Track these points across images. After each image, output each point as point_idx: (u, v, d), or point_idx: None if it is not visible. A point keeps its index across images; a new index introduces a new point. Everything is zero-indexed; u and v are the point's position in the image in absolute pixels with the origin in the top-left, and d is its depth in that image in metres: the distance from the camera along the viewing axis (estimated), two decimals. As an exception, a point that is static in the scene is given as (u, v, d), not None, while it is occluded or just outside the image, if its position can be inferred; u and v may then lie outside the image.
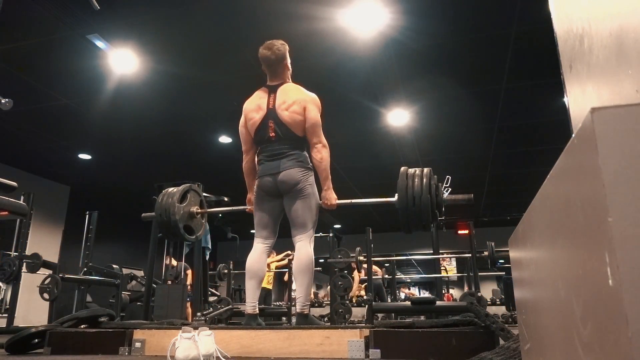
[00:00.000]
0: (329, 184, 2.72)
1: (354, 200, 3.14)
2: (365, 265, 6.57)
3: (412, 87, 5.25)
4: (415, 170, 2.73)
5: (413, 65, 4.82)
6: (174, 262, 6.57)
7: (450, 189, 2.78)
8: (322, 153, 2.66)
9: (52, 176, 8.40)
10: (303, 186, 2.64)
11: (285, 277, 8.73)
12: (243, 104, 2.91)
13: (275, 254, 7.81)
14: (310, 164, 2.71)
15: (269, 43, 2.74)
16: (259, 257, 2.74)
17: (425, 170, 2.73)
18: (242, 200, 2.98)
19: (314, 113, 2.66)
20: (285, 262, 7.96)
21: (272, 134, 2.69)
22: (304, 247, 2.64)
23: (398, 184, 2.68)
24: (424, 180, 2.64)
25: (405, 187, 2.63)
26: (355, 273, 7.72)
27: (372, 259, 5.95)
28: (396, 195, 2.68)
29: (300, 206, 2.64)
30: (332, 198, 2.72)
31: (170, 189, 3.19)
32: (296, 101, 2.65)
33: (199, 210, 3.26)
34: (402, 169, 2.78)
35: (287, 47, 2.77)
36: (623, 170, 0.41)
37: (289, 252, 7.67)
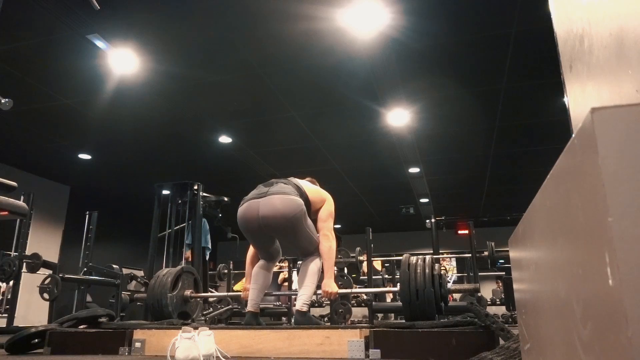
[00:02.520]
0: (331, 273, 2.68)
1: (354, 290, 3.22)
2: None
3: (412, 87, 5.25)
4: (418, 260, 2.67)
5: (413, 65, 4.82)
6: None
7: (455, 276, 2.74)
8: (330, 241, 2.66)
9: (52, 176, 8.41)
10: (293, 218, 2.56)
11: (281, 279, 8.72)
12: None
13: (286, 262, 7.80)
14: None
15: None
16: (266, 268, 2.78)
17: (427, 259, 2.67)
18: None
19: None
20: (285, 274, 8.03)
21: None
22: (311, 259, 2.70)
23: (400, 275, 2.64)
24: (427, 271, 2.56)
25: (408, 279, 2.55)
26: None
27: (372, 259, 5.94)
28: (398, 285, 2.65)
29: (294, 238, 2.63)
30: (334, 288, 2.68)
31: (163, 274, 3.11)
32: None
33: (193, 295, 3.20)
34: (404, 257, 2.71)
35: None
36: (623, 170, 0.41)
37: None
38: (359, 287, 7.04)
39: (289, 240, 2.66)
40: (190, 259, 5.77)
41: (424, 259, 2.65)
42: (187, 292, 3.16)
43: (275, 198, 2.53)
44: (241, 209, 2.62)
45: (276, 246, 2.83)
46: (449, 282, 2.48)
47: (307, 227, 2.63)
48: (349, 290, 3.30)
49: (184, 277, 3.17)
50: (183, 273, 3.17)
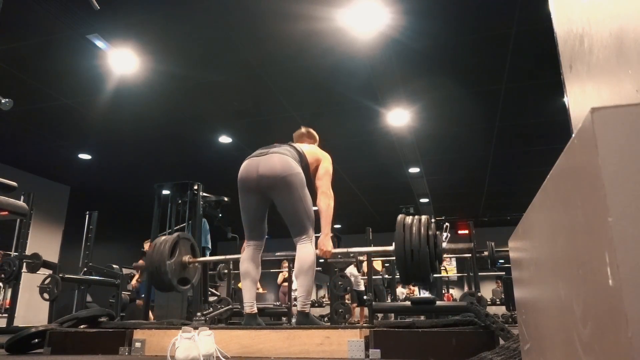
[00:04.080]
0: (328, 230, 2.67)
1: (350, 249, 3.20)
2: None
3: (412, 87, 5.25)
4: (413, 220, 2.62)
5: (413, 65, 4.82)
6: None
7: (449, 236, 2.72)
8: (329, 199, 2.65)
9: (52, 176, 8.41)
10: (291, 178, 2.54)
11: (281, 279, 8.74)
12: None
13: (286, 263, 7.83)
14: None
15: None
16: (253, 259, 2.74)
17: (423, 219, 2.62)
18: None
19: None
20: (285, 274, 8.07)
21: None
22: (305, 247, 2.61)
23: (395, 235, 2.59)
24: (422, 231, 2.53)
25: (403, 239, 2.52)
26: None
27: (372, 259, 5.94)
28: (393, 244, 2.61)
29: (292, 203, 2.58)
30: (330, 245, 2.67)
31: (161, 241, 3.14)
32: None
33: (191, 260, 3.22)
34: (399, 218, 2.66)
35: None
36: (623, 170, 0.41)
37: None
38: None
39: (284, 205, 2.57)
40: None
41: (419, 219, 2.62)
42: (185, 258, 3.20)
43: (275, 157, 2.55)
44: (241, 167, 2.63)
45: (264, 225, 2.77)
46: (444, 241, 2.47)
47: (304, 197, 2.58)
48: (344, 250, 3.26)
49: (181, 243, 3.20)
50: (180, 240, 3.20)
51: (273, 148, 2.63)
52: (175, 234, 3.24)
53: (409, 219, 2.64)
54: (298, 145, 2.76)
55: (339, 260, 5.68)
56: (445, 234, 2.69)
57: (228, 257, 3.63)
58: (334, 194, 2.76)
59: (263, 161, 2.56)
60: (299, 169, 2.57)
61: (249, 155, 2.67)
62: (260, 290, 8.58)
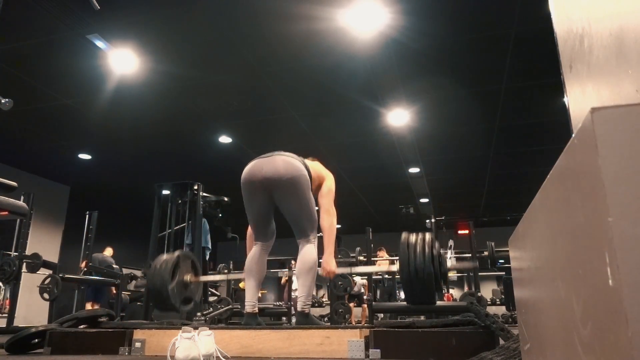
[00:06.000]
0: (331, 250, 2.66)
1: (354, 269, 3.18)
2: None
3: (412, 87, 5.25)
4: (417, 239, 2.61)
5: (413, 65, 4.82)
6: None
7: (453, 254, 2.71)
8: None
9: (52, 176, 8.41)
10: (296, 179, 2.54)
11: (284, 280, 8.74)
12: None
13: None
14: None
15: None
16: (259, 259, 2.74)
17: (427, 237, 2.62)
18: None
19: None
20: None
21: None
22: (308, 248, 2.63)
23: (399, 255, 2.59)
24: (426, 250, 2.51)
25: (407, 258, 2.51)
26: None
27: (372, 258, 5.94)
28: (397, 263, 2.61)
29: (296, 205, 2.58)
30: (334, 265, 2.66)
31: (161, 262, 3.07)
32: None
33: (193, 279, 3.18)
34: (403, 236, 2.66)
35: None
36: (623, 170, 0.41)
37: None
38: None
39: (288, 207, 2.59)
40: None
41: (424, 237, 2.62)
42: (187, 277, 3.15)
43: (280, 158, 2.56)
44: (245, 169, 2.63)
45: (273, 226, 2.78)
46: (448, 259, 2.47)
47: (308, 198, 2.59)
48: (347, 269, 3.26)
49: (181, 263, 3.16)
50: (180, 260, 3.16)
51: (277, 151, 2.64)
52: (175, 254, 3.18)
53: (412, 237, 2.64)
54: (300, 157, 2.76)
55: (339, 260, 5.68)
56: (449, 253, 2.70)
57: (230, 276, 3.57)
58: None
59: (267, 163, 2.57)
60: (304, 171, 2.57)
61: (252, 158, 2.67)
62: (259, 295, 8.61)
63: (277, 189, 2.55)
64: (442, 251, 2.61)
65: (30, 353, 2.60)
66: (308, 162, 2.75)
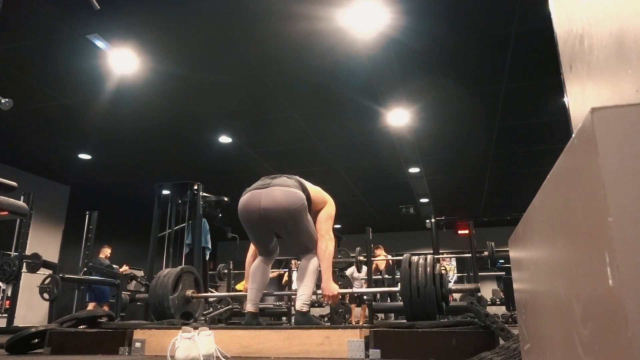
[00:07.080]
0: (329, 275, 2.65)
1: (355, 290, 3.17)
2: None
3: (412, 87, 5.25)
4: (419, 259, 2.64)
5: (413, 65, 4.82)
6: None
7: (455, 276, 2.71)
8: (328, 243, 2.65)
9: (52, 176, 8.41)
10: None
11: (285, 279, 8.74)
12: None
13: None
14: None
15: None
16: (264, 266, 2.77)
17: (429, 258, 2.64)
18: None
19: None
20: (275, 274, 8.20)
21: None
22: (309, 258, 2.68)
23: (401, 273, 2.61)
24: (428, 270, 2.53)
25: (409, 277, 2.53)
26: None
27: (372, 259, 5.94)
28: (399, 284, 2.63)
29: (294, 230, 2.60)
30: (334, 289, 2.65)
31: (164, 274, 3.08)
32: None
33: (195, 295, 3.18)
34: (405, 257, 2.69)
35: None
36: (623, 170, 0.40)
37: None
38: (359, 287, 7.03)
39: (288, 233, 2.63)
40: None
41: (425, 258, 2.63)
42: (189, 292, 3.14)
43: (277, 190, 2.53)
44: (243, 199, 2.61)
45: (275, 242, 2.82)
46: (450, 281, 2.45)
47: (307, 223, 2.61)
48: (349, 290, 3.29)
49: (184, 277, 3.15)
50: (183, 273, 3.16)
51: (275, 180, 2.61)
52: (179, 268, 3.19)
53: (414, 258, 2.67)
54: (300, 178, 2.75)
55: (339, 260, 5.68)
56: (451, 275, 2.69)
57: (232, 293, 3.53)
58: (333, 201, 2.78)
59: (265, 195, 2.54)
60: (302, 199, 2.56)
61: (250, 187, 2.66)
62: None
63: (276, 220, 2.56)
64: (443, 273, 2.61)
65: (30, 353, 2.60)
66: (308, 185, 2.74)
